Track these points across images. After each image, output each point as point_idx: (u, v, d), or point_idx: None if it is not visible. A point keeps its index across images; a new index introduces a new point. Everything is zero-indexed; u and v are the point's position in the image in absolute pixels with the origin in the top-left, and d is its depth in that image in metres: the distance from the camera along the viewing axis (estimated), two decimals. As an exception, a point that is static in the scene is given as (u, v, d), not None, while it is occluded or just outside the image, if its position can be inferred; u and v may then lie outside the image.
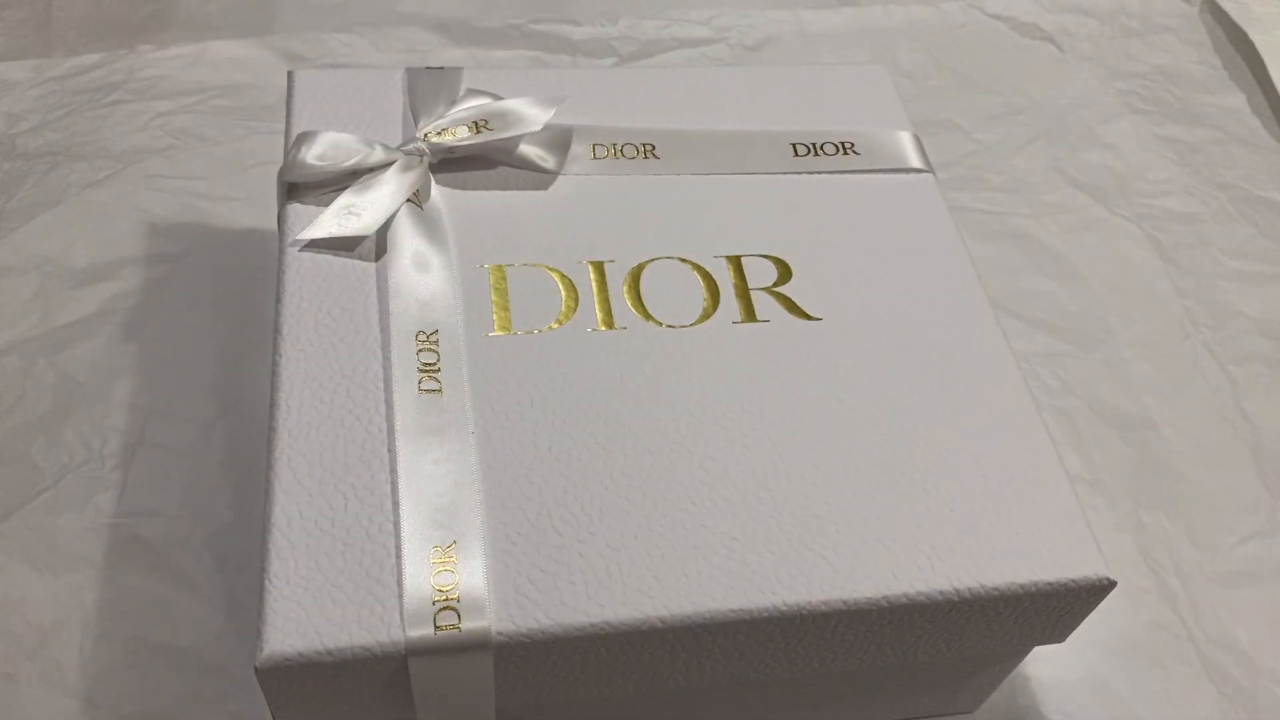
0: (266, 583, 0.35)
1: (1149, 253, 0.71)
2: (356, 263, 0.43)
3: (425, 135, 0.46)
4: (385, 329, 0.41)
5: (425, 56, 0.74)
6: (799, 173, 0.51)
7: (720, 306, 0.45)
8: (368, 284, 0.43)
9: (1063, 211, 0.73)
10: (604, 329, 0.43)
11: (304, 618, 0.34)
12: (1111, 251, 0.71)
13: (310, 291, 0.42)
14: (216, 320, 0.59)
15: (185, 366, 0.57)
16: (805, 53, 0.81)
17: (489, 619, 0.35)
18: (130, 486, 0.52)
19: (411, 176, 0.45)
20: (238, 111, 0.69)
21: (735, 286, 0.46)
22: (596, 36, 0.76)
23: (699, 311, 0.44)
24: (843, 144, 0.52)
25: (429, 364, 0.40)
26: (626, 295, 0.44)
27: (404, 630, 0.34)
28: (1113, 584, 0.39)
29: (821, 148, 0.52)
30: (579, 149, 0.49)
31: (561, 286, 0.44)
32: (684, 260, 0.46)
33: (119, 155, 0.66)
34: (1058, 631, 0.41)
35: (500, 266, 0.45)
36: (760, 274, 0.46)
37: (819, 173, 0.51)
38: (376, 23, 0.76)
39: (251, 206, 0.64)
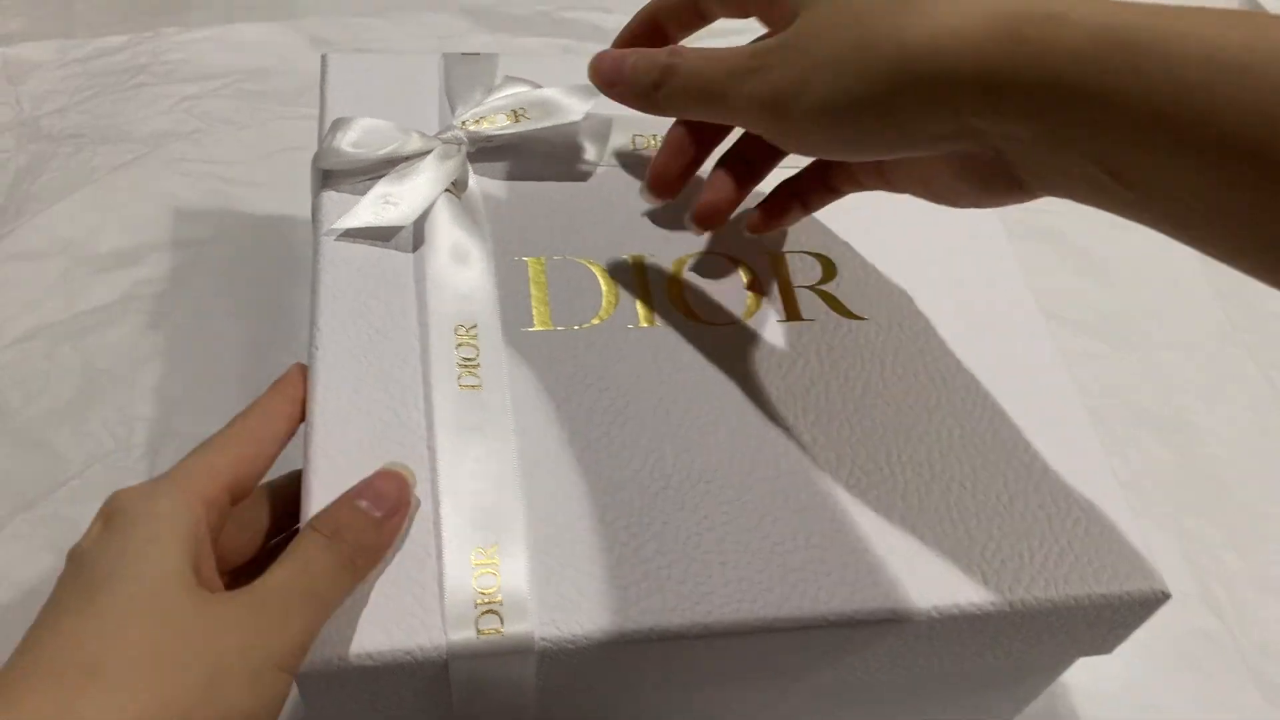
0: None
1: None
2: (393, 253, 0.42)
3: (463, 123, 0.45)
4: (423, 322, 0.40)
5: (454, 42, 0.73)
6: None
7: (764, 304, 0.44)
8: (404, 275, 0.42)
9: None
10: (645, 325, 0.42)
11: (344, 621, 0.33)
12: (1147, 250, 0.69)
13: (346, 283, 0.41)
14: (243, 307, 0.58)
15: (212, 354, 0.56)
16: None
17: (532, 623, 0.34)
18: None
19: (449, 165, 0.44)
20: (264, 95, 0.68)
21: (779, 283, 0.44)
22: (627, 25, 0.75)
23: (742, 309, 0.43)
24: None
25: (468, 359, 0.39)
26: (668, 291, 0.43)
27: (445, 634, 0.33)
28: (1166, 596, 0.38)
29: None
30: (619, 139, 0.48)
31: (602, 281, 0.43)
32: (726, 256, 0.45)
33: (144, 138, 0.65)
34: (1106, 643, 0.40)
35: (539, 259, 0.43)
36: (805, 271, 0.45)
37: None
38: (405, 7, 0.75)
39: (278, 191, 0.63)
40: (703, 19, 0.40)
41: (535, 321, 0.41)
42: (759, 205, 0.43)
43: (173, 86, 0.68)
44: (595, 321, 0.42)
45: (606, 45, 0.76)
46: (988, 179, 0.33)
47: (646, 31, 0.41)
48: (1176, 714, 0.49)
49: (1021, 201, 0.34)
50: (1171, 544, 0.55)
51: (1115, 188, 0.29)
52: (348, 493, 0.34)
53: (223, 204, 0.62)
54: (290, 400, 0.37)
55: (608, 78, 0.39)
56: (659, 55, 0.37)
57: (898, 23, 0.30)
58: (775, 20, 0.35)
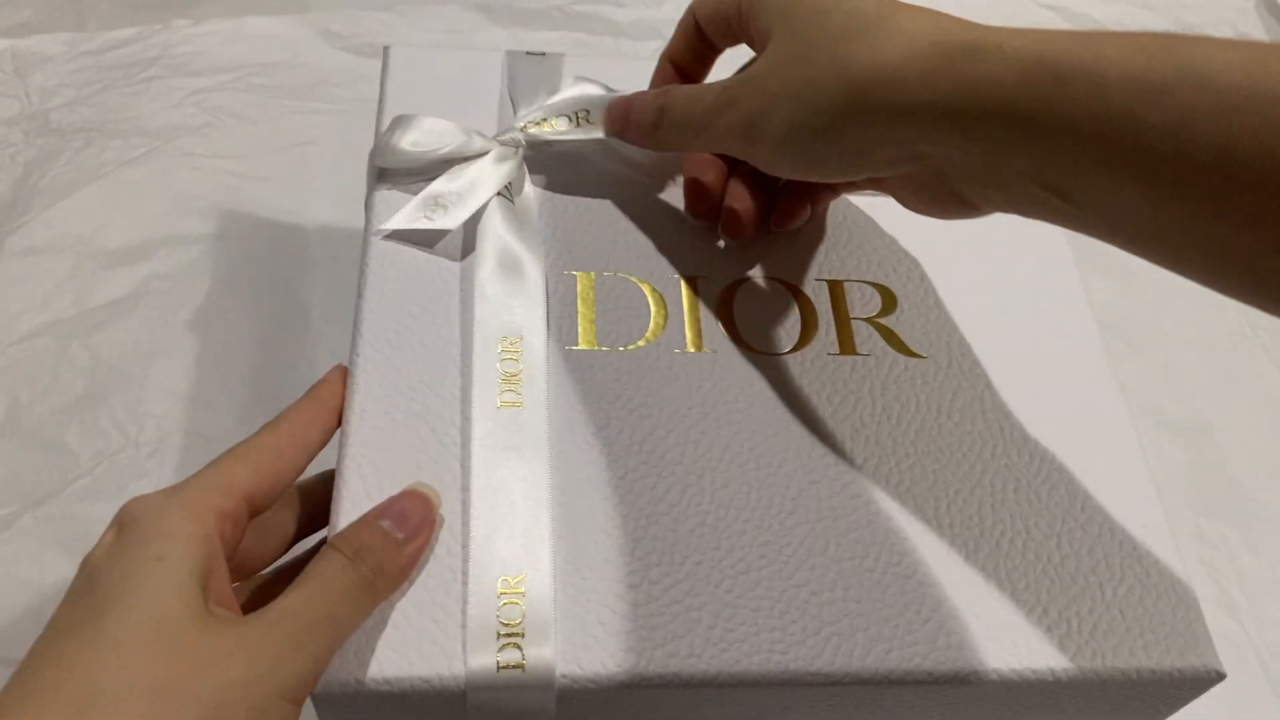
0: None
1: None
2: (442, 260, 0.41)
3: (523, 126, 0.44)
4: (468, 333, 0.39)
5: (466, 36, 0.72)
6: None
7: (818, 334, 0.42)
8: (452, 282, 0.40)
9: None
10: (693, 350, 0.40)
11: (364, 643, 0.32)
12: (1165, 250, 0.69)
13: (393, 287, 0.40)
14: (253, 304, 0.58)
15: (222, 351, 0.56)
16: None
17: (554, 659, 0.32)
18: (167, 475, 0.51)
19: (505, 169, 0.42)
20: (275, 89, 0.68)
21: (835, 313, 0.42)
22: (641, 19, 0.75)
23: (794, 339, 0.41)
24: None
25: (511, 374, 0.38)
26: (718, 315, 0.42)
27: (465, 663, 0.32)
28: (1221, 677, 0.36)
29: None
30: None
31: (652, 301, 0.41)
32: (781, 281, 0.43)
33: (154, 132, 0.64)
34: (1154, 715, 0.38)
35: (589, 275, 0.42)
36: (864, 302, 0.43)
37: None
38: (416, 1, 0.74)
39: (288, 186, 0.63)
40: (714, 51, 0.42)
41: (581, 339, 0.40)
42: (776, 204, 0.43)
43: (183, 80, 0.67)
44: (641, 344, 0.40)
45: (619, 40, 0.75)
46: (937, 196, 0.35)
47: (668, 76, 0.43)
48: (1193, 716, 0.49)
49: (973, 216, 0.36)
50: (1188, 546, 0.55)
51: (1058, 203, 0.30)
52: (371, 512, 0.33)
53: (232, 199, 0.62)
54: (327, 408, 0.37)
55: (617, 125, 0.42)
56: (653, 98, 0.40)
57: (845, 56, 0.32)
58: (758, 49, 0.38)
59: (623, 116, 0.41)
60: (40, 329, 0.55)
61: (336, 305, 0.58)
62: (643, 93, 0.42)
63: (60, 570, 0.48)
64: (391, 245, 0.41)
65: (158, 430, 0.52)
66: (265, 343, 0.56)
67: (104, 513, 0.48)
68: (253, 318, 0.57)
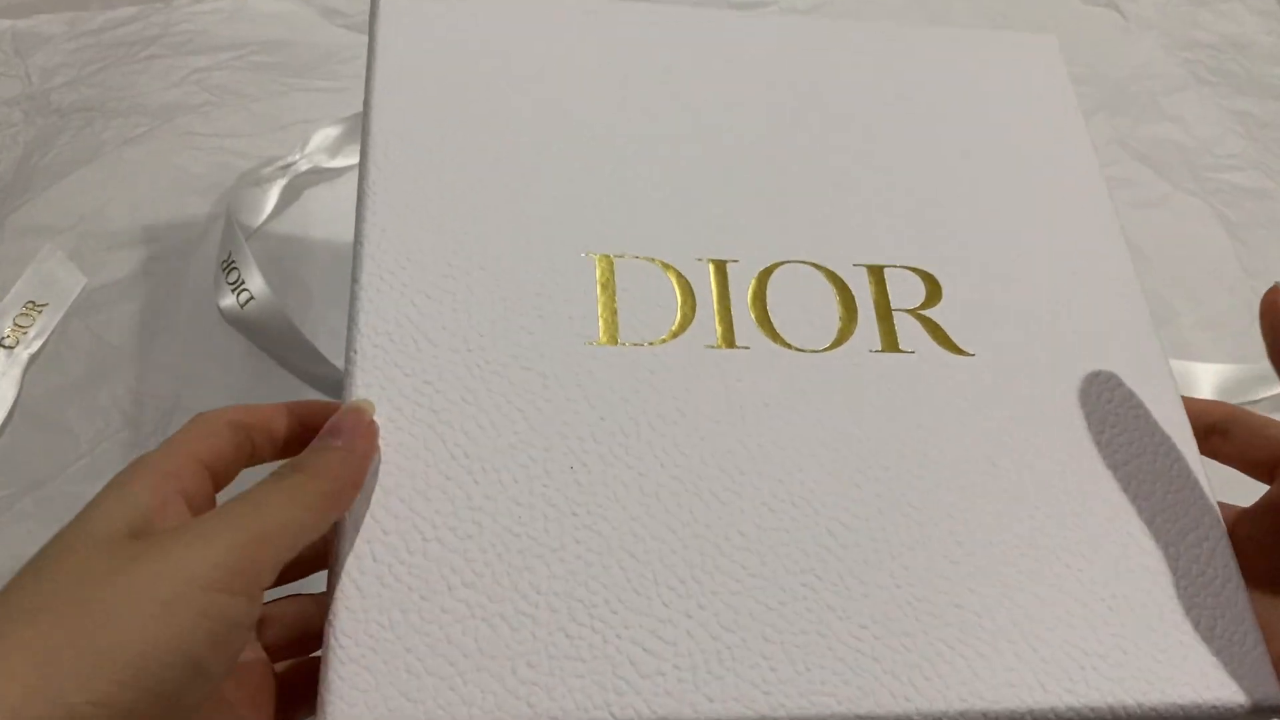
0: (331, 641, 0.30)
1: (1216, 230, 0.68)
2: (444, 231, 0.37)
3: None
4: (474, 322, 0.36)
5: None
6: (957, 168, 0.43)
7: (858, 329, 0.38)
8: (457, 259, 0.37)
9: (1125, 186, 0.70)
10: (723, 347, 0.37)
11: (372, 686, 0.29)
12: (1176, 229, 0.68)
13: (392, 259, 0.36)
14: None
15: (223, 331, 0.55)
16: (861, 14, 0.78)
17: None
18: (167, 455, 0.51)
19: None
20: (276, 68, 0.67)
21: (876, 304, 0.39)
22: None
23: (833, 333, 0.38)
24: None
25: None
26: (751, 306, 0.38)
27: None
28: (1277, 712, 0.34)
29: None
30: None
31: (678, 289, 0.38)
32: (818, 266, 0.40)
33: (155, 111, 0.64)
34: None
35: (608, 257, 0.38)
36: (906, 292, 0.40)
37: (980, 170, 0.43)
38: (418, -22, 0.73)
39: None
40: None
41: (601, 335, 0.36)
42: None
43: (184, 59, 0.67)
44: (667, 339, 0.37)
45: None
46: None
47: None
48: None
49: None
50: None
51: None
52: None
53: (233, 178, 0.61)
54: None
55: None
56: None
57: None
58: None
59: None
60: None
61: (338, 286, 0.57)
62: None
63: (60, 551, 0.47)
64: (392, 218, 0.37)
65: (158, 411, 0.52)
66: (266, 323, 0.56)
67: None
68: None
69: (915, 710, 0.31)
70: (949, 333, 0.39)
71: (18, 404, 0.52)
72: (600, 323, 0.37)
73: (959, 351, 0.39)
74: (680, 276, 0.38)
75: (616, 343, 0.36)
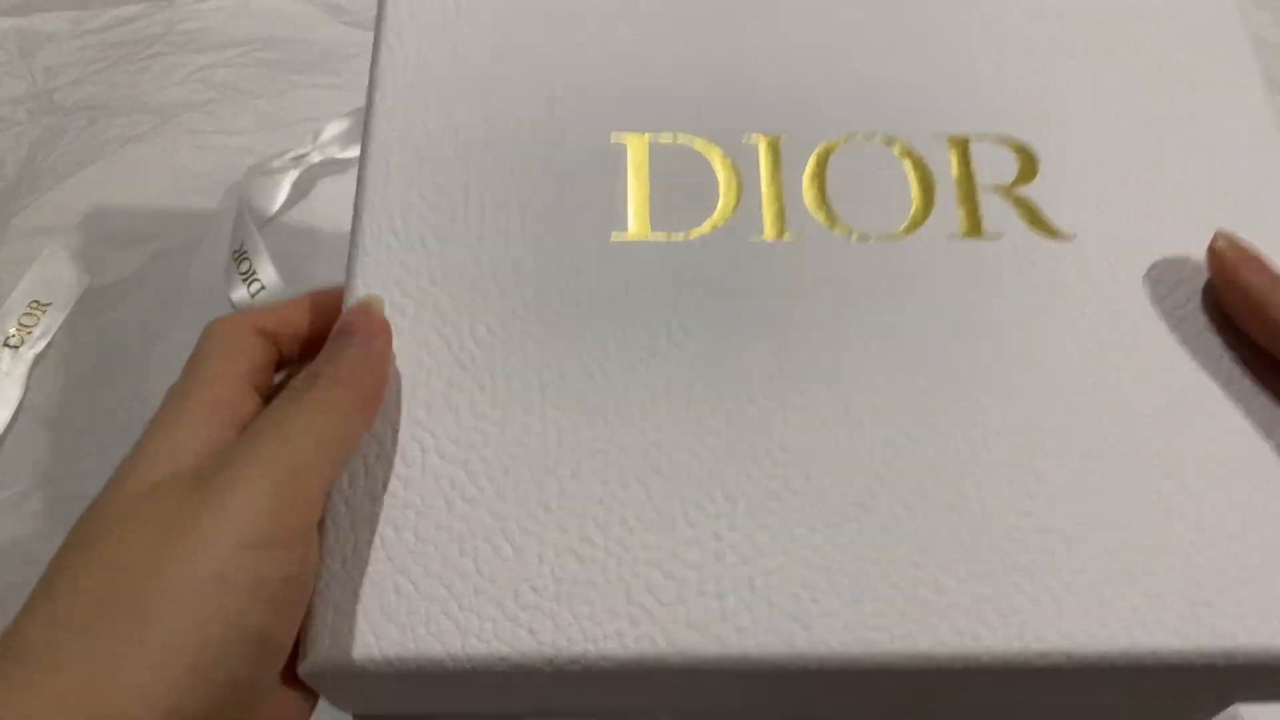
0: (325, 574, 0.27)
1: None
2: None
3: None
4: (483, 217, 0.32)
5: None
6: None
7: (935, 211, 0.33)
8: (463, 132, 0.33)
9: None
10: (772, 238, 0.32)
11: (359, 611, 0.27)
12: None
13: (398, 140, 0.33)
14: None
15: (228, 329, 0.55)
16: None
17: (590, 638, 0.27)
18: (173, 453, 0.51)
19: None
20: (280, 65, 0.67)
21: (958, 182, 0.34)
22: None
23: (905, 217, 0.33)
24: None
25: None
26: (807, 189, 0.33)
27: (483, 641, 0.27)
28: None
29: None
30: None
31: (720, 171, 0.33)
32: (889, 140, 0.34)
33: (158, 109, 0.64)
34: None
35: (643, 137, 0.33)
36: (995, 166, 0.34)
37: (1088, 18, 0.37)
38: (421, -26, 0.73)
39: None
40: None
41: (631, 226, 0.32)
42: None
43: (187, 57, 0.67)
44: (707, 230, 0.32)
45: None
46: None
47: None
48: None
49: None
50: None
51: None
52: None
53: (238, 176, 0.61)
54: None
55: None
56: None
57: None
58: None
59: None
60: (46, 308, 0.55)
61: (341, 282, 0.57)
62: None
63: (67, 549, 0.47)
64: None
65: (164, 409, 0.52)
66: (271, 320, 0.56)
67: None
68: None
69: (985, 650, 0.27)
70: (1044, 214, 0.33)
71: (23, 403, 0.52)
72: (630, 212, 0.33)
73: (1056, 235, 0.33)
74: (723, 157, 0.34)
75: (648, 234, 0.32)
